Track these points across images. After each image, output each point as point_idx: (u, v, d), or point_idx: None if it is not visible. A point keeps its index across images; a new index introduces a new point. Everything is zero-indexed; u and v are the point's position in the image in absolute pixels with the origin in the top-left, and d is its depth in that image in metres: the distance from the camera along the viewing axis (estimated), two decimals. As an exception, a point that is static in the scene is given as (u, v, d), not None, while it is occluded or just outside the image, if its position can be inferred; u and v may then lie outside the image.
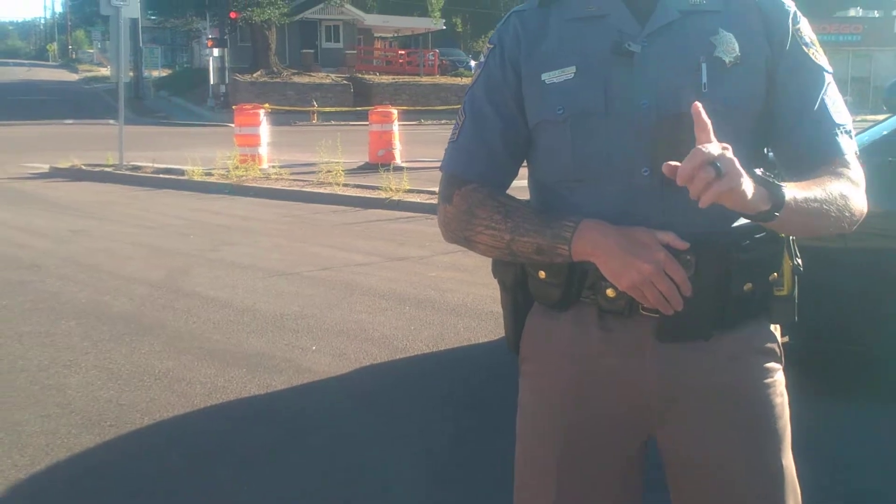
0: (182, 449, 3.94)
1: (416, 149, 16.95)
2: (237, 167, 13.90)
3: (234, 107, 17.64)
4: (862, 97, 32.18)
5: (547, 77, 1.57)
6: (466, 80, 38.40)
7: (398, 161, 15.00)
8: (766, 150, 1.61)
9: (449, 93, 35.39)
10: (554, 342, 1.63)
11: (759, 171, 1.38)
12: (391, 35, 49.33)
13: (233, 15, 33.66)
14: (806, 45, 1.56)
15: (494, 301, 6.17)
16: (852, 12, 43.70)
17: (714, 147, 1.32)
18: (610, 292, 1.50)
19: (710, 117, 1.45)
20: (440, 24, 43.05)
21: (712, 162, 1.30)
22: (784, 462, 1.58)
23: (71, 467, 3.70)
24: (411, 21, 45.47)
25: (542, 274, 1.60)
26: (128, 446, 3.93)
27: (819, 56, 1.57)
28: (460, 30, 48.60)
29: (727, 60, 1.51)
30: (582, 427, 1.61)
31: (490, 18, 45.57)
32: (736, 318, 1.54)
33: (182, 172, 13.83)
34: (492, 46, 1.66)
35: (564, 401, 1.62)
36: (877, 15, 42.01)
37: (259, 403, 4.43)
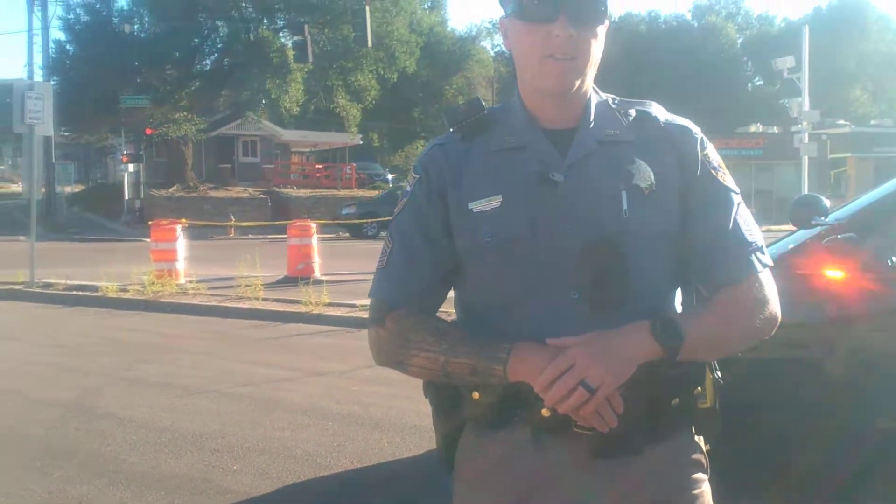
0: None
1: (335, 262, 16.96)
2: (153, 283, 13.68)
3: (150, 222, 17.47)
4: (766, 209, 33.58)
5: (474, 206, 1.63)
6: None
7: (317, 274, 14.97)
8: (681, 269, 1.68)
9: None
10: (489, 462, 1.65)
11: (653, 325, 1.52)
12: (308, 150, 49.84)
13: (148, 131, 33.71)
14: (714, 169, 1.66)
15: (418, 415, 6.15)
16: (753, 128, 45.90)
17: (579, 355, 1.48)
18: (545, 412, 1.54)
19: (631, 241, 1.56)
20: (357, 139, 43.72)
21: (581, 381, 1.46)
22: None
23: None
24: (328, 136, 46.09)
25: (475, 395, 1.62)
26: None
27: (727, 178, 1.67)
28: (377, 144, 49.41)
29: (644, 187, 1.60)
30: None
31: (406, 133, 46.55)
32: (665, 432, 1.60)
33: (96, 289, 13.53)
34: (417, 176, 1.71)
35: None
36: (776, 131, 44.19)
37: (178, 528, 4.29)
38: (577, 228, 1.57)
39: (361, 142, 45.45)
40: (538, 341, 1.55)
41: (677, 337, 1.52)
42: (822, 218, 4.05)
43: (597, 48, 1.61)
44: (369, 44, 27.58)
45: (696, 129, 1.68)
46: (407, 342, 1.64)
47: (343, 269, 16.37)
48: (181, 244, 15.17)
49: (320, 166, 44.69)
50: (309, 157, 50.14)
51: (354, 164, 43.88)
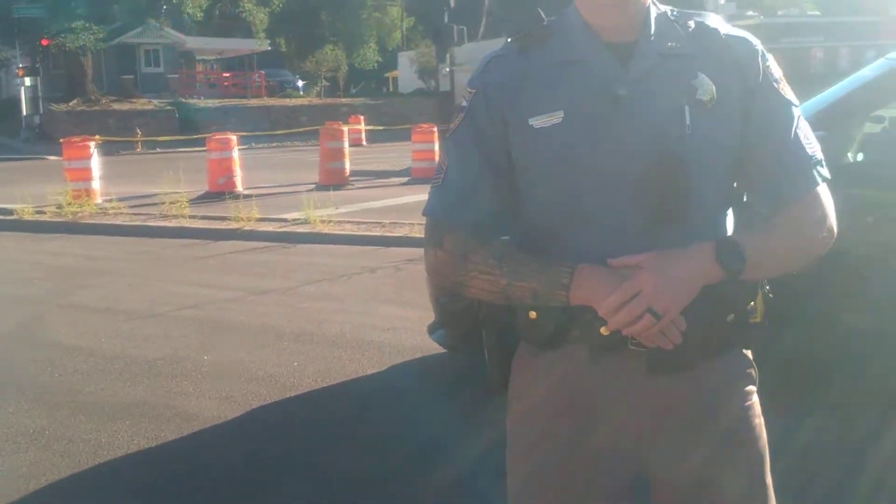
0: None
1: (254, 174, 16.69)
2: (70, 203, 13.24)
3: (57, 139, 16.82)
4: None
5: (535, 122, 1.59)
6: (296, 102, 38.08)
7: (240, 188, 14.74)
8: (735, 183, 1.68)
9: (279, 114, 34.99)
10: (546, 380, 1.66)
11: (718, 249, 1.54)
12: (214, 57, 48.29)
13: (44, 42, 32.13)
14: (776, 81, 1.65)
15: (373, 329, 6.18)
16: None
17: (645, 282, 1.49)
18: (604, 330, 1.55)
19: (695, 156, 1.55)
20: (265, 45, 42.46)
21: (648, 308, 1.48)
22: (766, 480, 1.68)
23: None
24: (235, 42, 44.68)
25: (532, 315, 1.62)
26: (19, 517, 3.70)
27: (787, 91, 1.65)
28: (285, 50, 48.00)
29: (706, 101, 1.58)
30: (578, 459, 1.65)
31: (315, 38, 45.31)
32: (720, 347, 1.63)
33: (10, 212, 13.00)
34: (473, 91, 1.66)
35: (560, 435, 1.66)
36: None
37: (152, 457, 4.23)
38: (640, 143, 1.55)
39: (270, 48, 44.17)
40: (600, 263, 1.54)
41: (740, 261, 1.54)
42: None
43: None
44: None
45: (757, 41, 1.66)
46: (467, 264, 1.62)
47: (264, 182, 16.15)
48: (95, 162, 14.69)
49: (227, 75, 43.36)
50: (215, 66, 48.62)
51: (264, 72, 42.73)
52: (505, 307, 1.66)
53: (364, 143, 28.28)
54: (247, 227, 10.99)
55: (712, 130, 1.58)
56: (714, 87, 1.59)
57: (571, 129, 1.57)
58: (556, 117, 1.58)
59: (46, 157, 25.62)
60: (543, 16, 1.67)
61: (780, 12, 48.28)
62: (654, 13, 1.64)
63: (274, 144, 30.52)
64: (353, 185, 16.00)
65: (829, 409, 4.13)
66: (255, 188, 15.02)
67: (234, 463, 4.18)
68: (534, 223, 1.66)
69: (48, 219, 12.64)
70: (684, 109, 1.57)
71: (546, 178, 1.60)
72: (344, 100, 39.93)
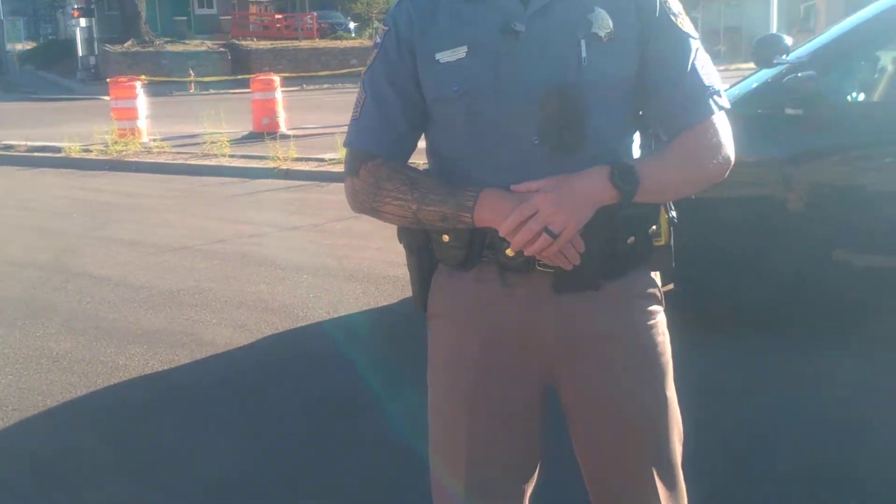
0: (86, 428, 3.94)
1: (301, 115, 16.82)
2: (116, 142, 13.53)
3: (107, 80, 17.10)
4: (734, 47, 33.30)
5: (440, 56, 1.67)
6: (347, 44, 38.03)
7: (283, 129, 14.88)
8: (640, 112, 1.74)
9: (329, 57, 34.94)
10: (459, 299, 1.75)
11: (612, 171, 1.59)
12: (266, -1, 48.33)
13: (99, -17, 32.49)
14: (674, 14, 1.69)
15: (389, 265, 6.30)
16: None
17: (542, 202, 1.56)
18: (509, 252, 1.63)
19: (590, 90, 1.61)
20: (316, -13, 42.39)
21: (544, 227, 1.55)
22: (667, 393, 1.76)
23: (-24, 455, 3.68)
24: (287, -17, 44.66)
25: (445, 238, 1.71)
26: (32, 428, 3.91)
27: (686, 24, 1.70)
28: (337, -9, 47.87)
29: (602, 35, 1.63)
30: (488, 375, 1.74)
31: (367, -20, 45.07)
32: (621, 269, 1.70)
33: (58, 150, 13.36)
34: (387, 28, 1.74)
35: (471, 352, 1.75)
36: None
37: (163, 379, 4.44)
38: (538, 77, 1.61)
39: (321, -11, 44.13)
40: (503, 188, 1.62)
41: (633, 182, 1.60)
42: (784, 56, 4.09)
43: None
44: None
45: None
46: (380, 190, 1.71)
47: (309, 123, 16.25)
48: (141, 101, 14.94)
49: (280, 16, 43.39)
50: (268, 7, 48.64)
51: (315, 14, 42.65)
52: (422, 231, 1.75)
53: (412, 85, 28.20)
54: (283, 167, 11.15)
55: (609, 63, 1.63)
56: (611, 21, 1.64)
57: (473, 64, 1.64)
58: (461, 52, 1.65)
59: (101, 97, 26.01)
60: None
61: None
62: None
63: (325, 86, 30.61)
64: (394, 126, 16.00)
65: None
66: (298, 129, 15.14)
67: (239, 381, 4.38)
68: (443, 153, 1.75)
69: (93, 157, 12.95)
70: (580, 43, 1.62)
71: (452, 111, 1.68)
72: (395, 42, 39.70)
